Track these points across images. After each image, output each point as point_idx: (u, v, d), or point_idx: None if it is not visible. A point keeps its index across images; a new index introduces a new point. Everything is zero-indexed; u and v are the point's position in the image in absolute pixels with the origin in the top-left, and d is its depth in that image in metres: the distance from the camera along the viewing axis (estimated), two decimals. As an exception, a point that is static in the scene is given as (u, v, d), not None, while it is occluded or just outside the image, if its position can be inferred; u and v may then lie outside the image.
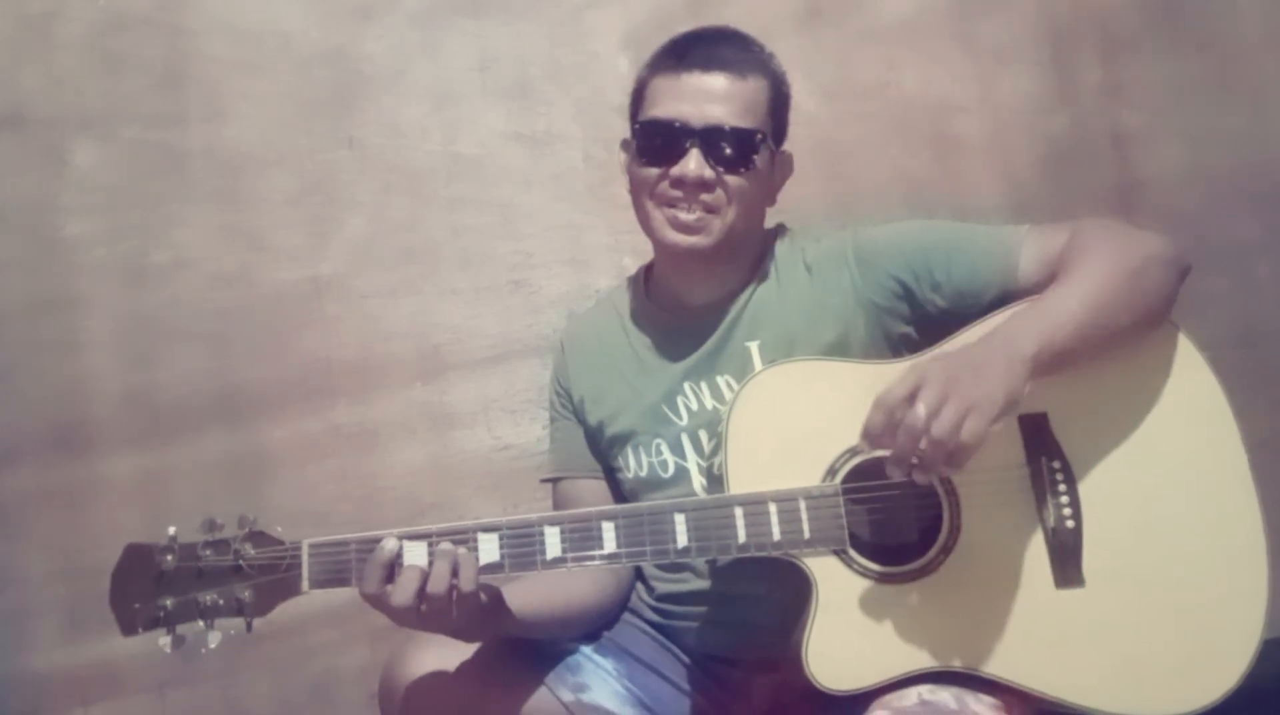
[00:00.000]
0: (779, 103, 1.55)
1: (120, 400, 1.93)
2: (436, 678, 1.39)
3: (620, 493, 1.61)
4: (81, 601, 1.88)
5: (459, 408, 1.98)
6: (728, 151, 1.48)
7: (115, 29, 1.93)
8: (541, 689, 1.45)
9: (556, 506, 1.65)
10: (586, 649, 1.53)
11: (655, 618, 1.59)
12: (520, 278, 2.00)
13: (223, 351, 1.95)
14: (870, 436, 1.26)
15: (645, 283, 1.64)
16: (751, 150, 1.49)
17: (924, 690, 1.29)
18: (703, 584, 1.52)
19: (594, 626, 1.56)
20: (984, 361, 1.26)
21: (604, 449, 1.61)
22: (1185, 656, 1.33)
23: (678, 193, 1.49)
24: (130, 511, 1.92)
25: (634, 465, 1.56)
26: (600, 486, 1.62)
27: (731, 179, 1.48)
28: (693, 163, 1.47)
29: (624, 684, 1.51)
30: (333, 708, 1.94)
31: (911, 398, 1.24)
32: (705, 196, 1.48)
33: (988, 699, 1.30)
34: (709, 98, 1.48)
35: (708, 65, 1.49)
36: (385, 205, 1.98)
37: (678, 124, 1.48)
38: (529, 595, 1.41)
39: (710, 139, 1.47)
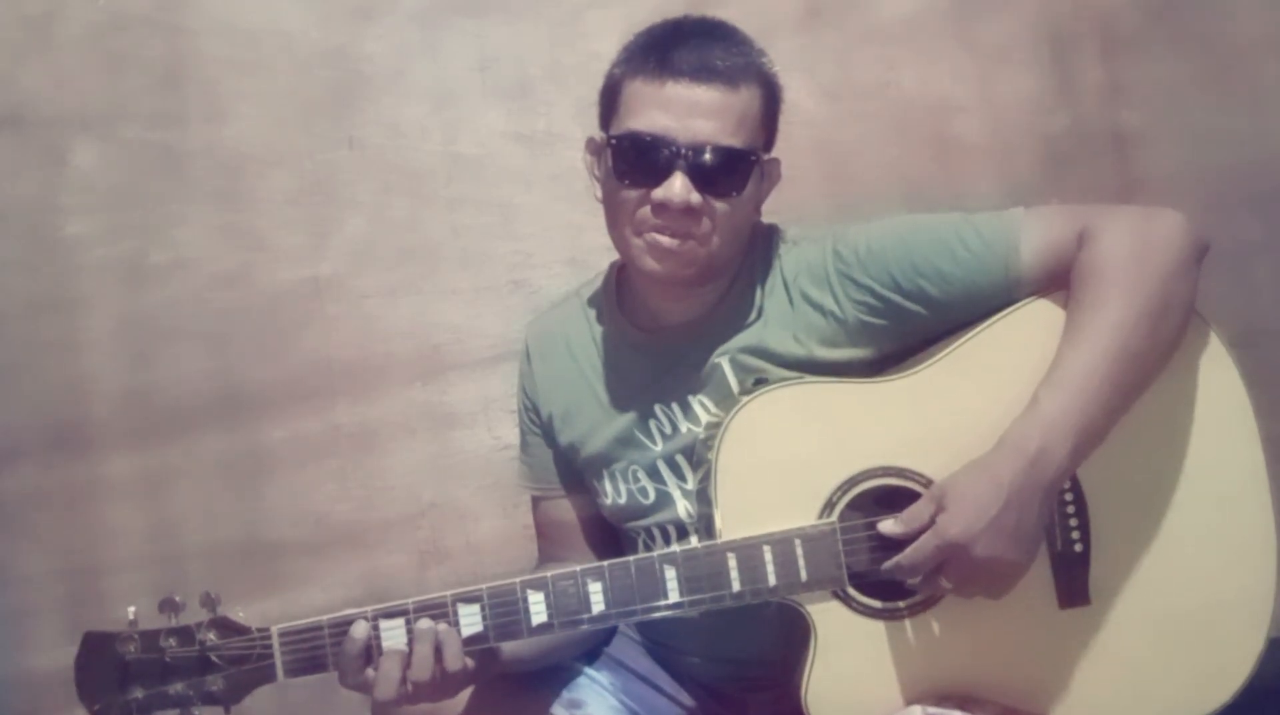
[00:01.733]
0: (772, 110, 1.39)
1: (120, 400, 1.93)
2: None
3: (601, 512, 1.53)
4: (81, 601, 1.88)
5: (459, 408, 1.98)
6: (717, 174, 1.31)
7: (115, 29, 1.93)
8: (537, 706, 1.42)
9: (538, 523, 1.60)
10: (581, 664, 1.50)
11: (647, 643, 1.56)
12: (520, 278, 1.99)
13: (223, 351, 1.95)
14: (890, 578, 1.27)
15: (617, 288, 1.51)
16: (745, 172, 1.33)
17: (928, 705, 1.28)
18: (692, 612, 1.45)
19: (590, 646, 1.52)
20: (1020, 513, 1.20)
21: (578, 471, 1.52)
22: (1190, 665, 1.31)
23: (661, 219, 1.33)
24: (130, 511, 1.92)
25: (612, 492, 1.47)
26: (579, 502, 1.55)
27: (720, 204, 1.33)
28: (678, 186, 1.30)
29: (620, 699, 1.48)
30: (333, 708, 1.94)
31: (936, 566, 1.24)
32: (692, 224, 1.32)
33: (992, 710, 1.29)
34: (697, 111, 1.30)
35: (697, 74, 1.30)
36: (385, 205, 1.98)
37: (661, 141, 1.30)
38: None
39: (697, 160, 1.30)
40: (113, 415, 1.93)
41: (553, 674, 1.47)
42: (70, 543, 1.91)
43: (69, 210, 1.93)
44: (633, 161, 1.33)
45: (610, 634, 1.56)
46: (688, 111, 1.30)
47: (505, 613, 1.26)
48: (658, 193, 1.31)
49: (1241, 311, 1.95)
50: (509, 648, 1.31)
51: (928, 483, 1.30)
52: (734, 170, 1.33)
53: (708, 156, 1.31)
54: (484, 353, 1.98)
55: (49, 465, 1.91)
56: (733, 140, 1.32)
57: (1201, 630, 1.32)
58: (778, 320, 1.40)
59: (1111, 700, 1.31)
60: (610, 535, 1.55)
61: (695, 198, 1.31)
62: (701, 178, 1.31)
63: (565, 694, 1.45)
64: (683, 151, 1.30)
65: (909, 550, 1.24)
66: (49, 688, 1.88)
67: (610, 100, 1.39)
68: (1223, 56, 2.03)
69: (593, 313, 1.53)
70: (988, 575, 1.24)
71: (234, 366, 1.95)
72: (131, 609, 1.25)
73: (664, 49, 1.33)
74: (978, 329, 1.34)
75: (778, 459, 1.31)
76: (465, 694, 1.36)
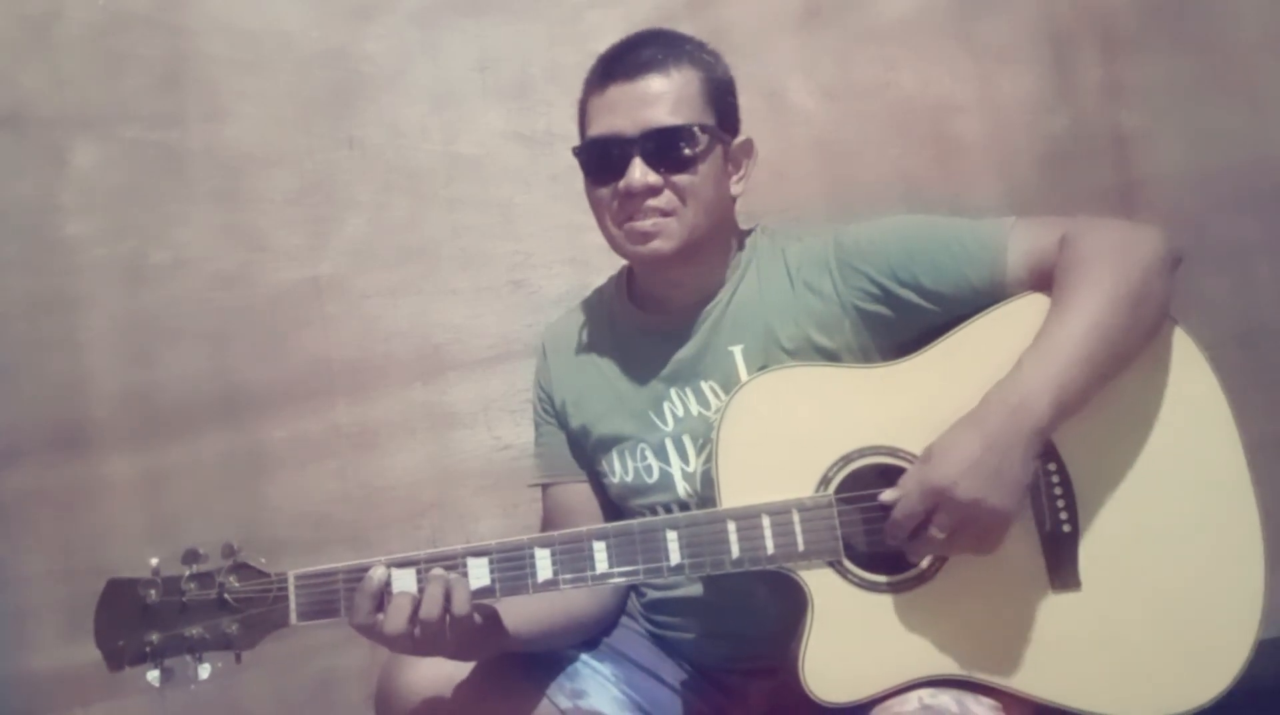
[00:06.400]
0: (716, 90, 1.51)
1: (120, 400, 1.93)
2: (432, 686, 1.39)
3: (607, 497, 1.59)
4: (81, 601, 1.86)
5: (459, 408, 1.98)
6: (668, 152, 1.45)
7: (115, 29, 1.93)
8: (539, 696, 1.44)
9: (546, 511, 1.64)
10: (584, 655, 1.52)
11: (648, 626, 1.58)
12: (520, 278, 1.99)
13: (223, 351, 1.95)
14: (890, 542, 1.31)
15: (628, 284, 1.62)
16: (693, 145, 1.46)
17: (924, 694, 1.29)
18: (693, 591, 1.51)
19: (591, 635, 1.54)
20: (1001, 458, 1.26)
21: (588, 453, 1.59)
22: (1181, 656, 1.33)
23: (631, 206, 1.46)
24: (130, 511, 1.92)
25: (619, 470, 1.54)
26: (588, 490, 1.61)
27: (679, 178, 1.46)
28: (636, 171, 1.44)
29: (622, 689, 1.50)
30: (333, 708, 1.94)
31: (925, 518, 1.27)
32: (655, 202, 1.46)
33: (988, 700, 1.30)
34: (638, 103, 1.45)
35: (630, 72, 1.46)
36: (385, 205, 1.98)
37: (613, 138, 1.46)
38: (524, 611, 1.39)
39: (648, 143, 1.45)
40: (113, 415, 1.93)
41: (554, 663, 1.49)
42: (70, 543, 1.91)
43: (69, 210, 1.93)
44: (597, 163, 1.49)
45: (611, 624, 1.58)
46: (630, 106, 1.46)
47: (512, 567, 1.31)
48: (621, 183, 1.46)
49: (1241, 311, 1.95)
50: (511, 622, 1.36)
51: None
52: (683, 145, 1.46)
53: (655, 138, 1.45)
54: (484, 353, 1.98)
55: (49, 465, 1.91)
56: (674, 118, 1.46)
57: (1190, 623, 1.34)
58: (780, 307, 1.49)
59: (1101, 682, 1.33)
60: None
61: (653, 177, 1.45)
62: (655, 159, 1.45)
63: (567, 683, 1.47)
64: (633, 140, 1.45)
65: (898, 504, 1.29)
66: (49, 688, 1.88)
67: (580, 124, 1.54)
68: (1223, 56, 2.03)
69: (607, 305, 1.63)
70: (974, 521, 1.27)
71: (234, 366, 1.95)
72: (154, 559, 1.30)
73: (604, 64, 1.51)
74: (969, 321, 1.40)
75: (777, 434, 1.37)
76: (468, 681, 1.39)
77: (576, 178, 1.97)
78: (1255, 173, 2.02)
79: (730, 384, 1.45)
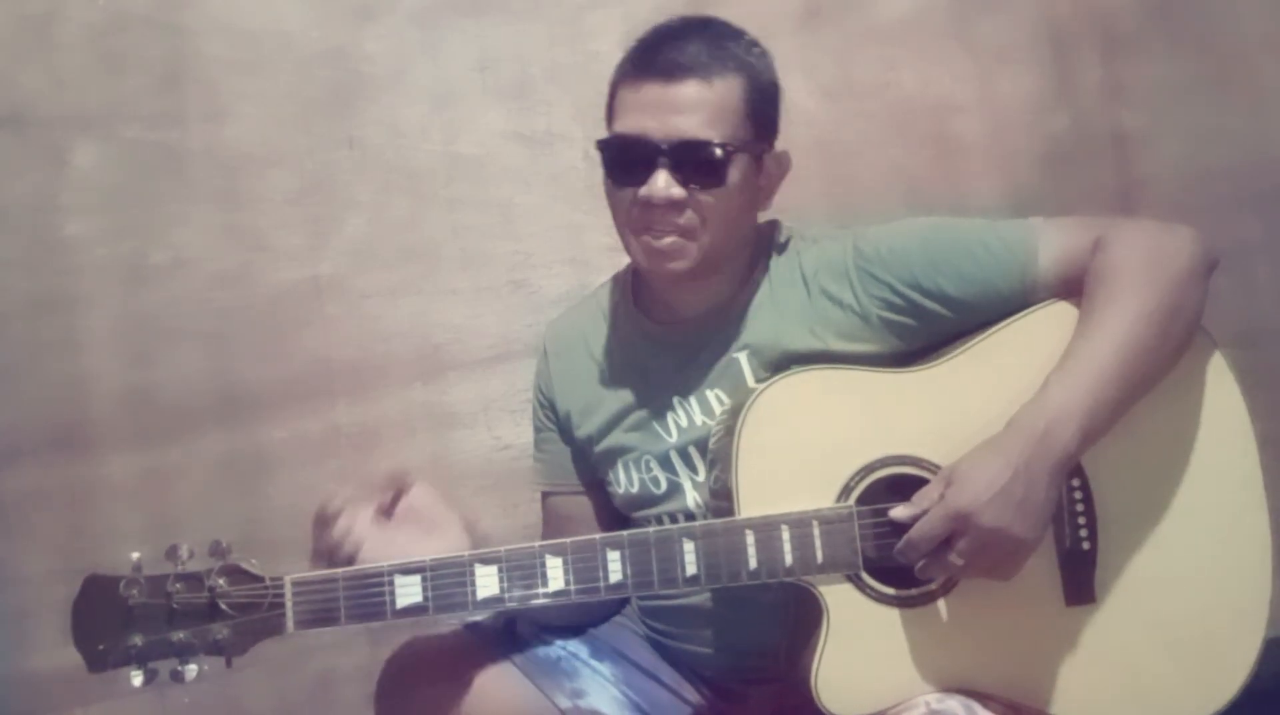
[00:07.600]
0: (759, 100, 1.40)
1: (120, 400, 1.93)
2: (433, 686, 1.38)
3: (609, 506, 1.56)
4: (81, 602, 1.88)
5: (459, 408, 1.98)
6: (697, 167, 1.35)
7: (115, 29, 1.93)
8: (539, 695, 1.43)
9: (546, 519, 1.62)
10: (584, 654, 1.51)
11: (646, 631, 1.57)
12: (520, 278, 1.99)
13: (223, 351, 1.95)
14: (903, 560, 1.28)
15: (633, 287, 1.55)
16: (725, 163, 1.36)
17: (932, 699, 1.28)
18: (693, 601, 1.47)
19: (588, 620, 1.54)
20: (1027, 487, 1.22)
21: (592, 464, 1.55)
22: (1191, 666, 1.32)
23: (650, 216, 1.37)
24: (130, 511, 1.92)
25: (624, 482, 1.50)
26: (588, 501, 1.57)
27: (705, 197, 1.36)
28: (660, 182, 1.34)
29: (621, 689, 1.49)
30: (333, 708, 1.94)
31: (944, 541, 1.25)
32: (677, 218, 1.36)
33: (995, 706, 1.30)
34: (673, 108, 1.34)
35: (669, 72, 1.35)
36: (385, 205, 1.98)
37: (640, 140, 1.35)
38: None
39: (677, 155, 1.34)
40: (113, 415, 1.92)
41: (554, 663, 1.48)
42: (70, 543, 1.91)
43: (69, 210, 1.92)
44: (619, 163, 1.39)
45: (605, 614, 1.57)
46: (664, 109, 1.35)
47: (522, 576, 1.27)
48: (642, 190, 1.36)
49: (1241, 311, 1.95)
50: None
51: None
52: (714, 162, 1.36)
53: (686, 151, 1.35)
54: (484, 353, 1.98)
55: (49, 465, 1.91)
56: (709, 133, 1.35)
57: (1202, 632, 1.33)
58: (795, 314, 1.43)
59: (1114, 698, 1.33)
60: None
61: (676, 191, 1.35)
62: (683, 172, 1.35)
63: (566, 683, 1.46)
64: (662, 148, 1.35)
65: (918, 524, 1.26)
66: (49, 688, 1.88)
67: (609, 108, 1.44)
68: (1223, 56, 2.03)
69: (610, 309, 1.57)
70: (996, 549, 1.24)
71: (234, 366, 1.95)
72: (135, 554, 1.22)
73: (643, 52, 1.39)
74: (995, 327, 1.37)
75: (798, 441, 1.33)
76: (468, 681, 1.38)
77: (576, 178, 1.98)
78: (1255, 173, 2.03)
79: (736, 392, 1.41)
